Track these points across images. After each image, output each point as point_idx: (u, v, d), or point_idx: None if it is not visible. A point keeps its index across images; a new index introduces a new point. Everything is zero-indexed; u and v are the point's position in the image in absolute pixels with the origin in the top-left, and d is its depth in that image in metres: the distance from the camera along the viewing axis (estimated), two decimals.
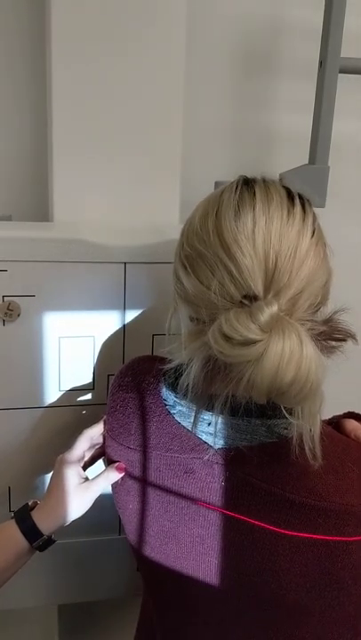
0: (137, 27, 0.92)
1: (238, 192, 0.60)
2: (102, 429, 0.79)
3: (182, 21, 0.94)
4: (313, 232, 0.60)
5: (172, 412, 0.69)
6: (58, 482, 0.77)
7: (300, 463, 0.61)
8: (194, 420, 0.67)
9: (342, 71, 0.95)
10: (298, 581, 0.64)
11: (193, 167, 1.06)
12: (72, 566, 1.05)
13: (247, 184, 0.62)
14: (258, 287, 0.57)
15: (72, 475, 0.77)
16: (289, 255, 0.58)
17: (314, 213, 0.62)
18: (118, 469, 0.74)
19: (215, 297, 0.59)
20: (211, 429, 0.65)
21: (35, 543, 0.74)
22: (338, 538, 0.62)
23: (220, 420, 0.64)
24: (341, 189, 1.09)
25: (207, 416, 0.65)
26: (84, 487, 0.76)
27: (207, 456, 0.65)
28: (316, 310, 0.62)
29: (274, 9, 1.10)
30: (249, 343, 0.54)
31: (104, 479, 0.75)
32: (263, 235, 0.58)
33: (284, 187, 0.62)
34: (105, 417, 0.78)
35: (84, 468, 0.80)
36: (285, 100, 1.14)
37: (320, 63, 0.96)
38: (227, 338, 0.55)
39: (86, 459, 0.81)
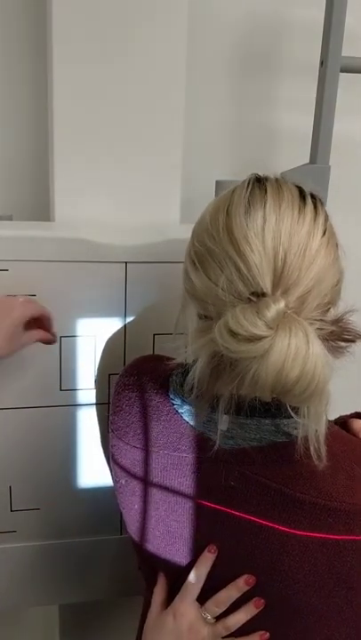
0: (137, 26, 0.92)
1: (250, 189, 0.60)
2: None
3: (183, 21, 0.94)
4: (324, 232, 0.60)
5: (179, 411, 0.69)
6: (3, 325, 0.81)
7: (310, 463, 0.61)
8: (198, 418, 0.67)
9: (343, 70, 0.95)
10: (306, 581, 0.64)
11: (194, 166, 1.06)
12: (72, 566, 1.05)
13: (259, 182, 0.61)
14: (266, 284, 0.57)
15: (14, 323, 0.82)
16: (298, 253, 0.58)
17: (326, 213, 0.62)
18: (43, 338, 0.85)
19: (223, 293, 0.58)
20: (220, 429, 0.65)
21: None
22: (347, 537, 0.62)
23: (229, 419, 0.64)
24: (342, 189, 1.09)
25: (216, 415, 0.65)
26: (18, 337, 0.83)
27: (216, 456, 0.65)
28: (326, 310, 0.61)
29: (275, 8, 1.10)
30: (255, 339, 0.54)
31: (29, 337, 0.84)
32: (273, 232, 0.57)
33: (296, 185, 0.62)
34: (109, 415, 0.77)
35: None
36: (286, 99, 1.14)
37: (321, 62, 0.96)
38: (233, 333, 0.54)
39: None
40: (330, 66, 0.94)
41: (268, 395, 0.56)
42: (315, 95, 0.97)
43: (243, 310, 0.55)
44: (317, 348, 0.54)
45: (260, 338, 0.53)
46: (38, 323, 0.86)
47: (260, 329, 0.54)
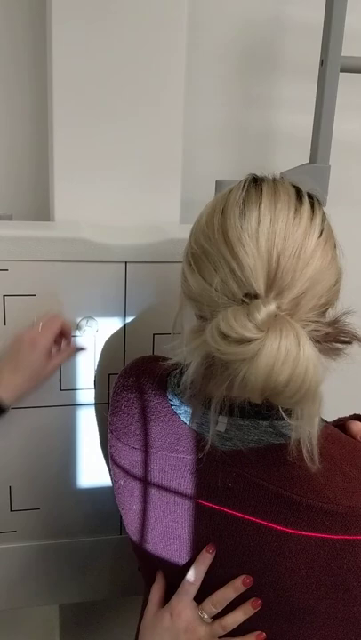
0: (138, 27, 0.92)
1: (245, 190, 0.60)
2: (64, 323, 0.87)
3: (183, 21, 0.94)
4: (321, 232, 0.59)
5: (177, 412, 0.69)
6: (26, 363, 0.82)
7: (307, 465, 0.61)
8: (191, 418, 0.67)
9: (343, 70, 0.95)
10: (303, 582, 0.64)
11: (194, 166, 1.06)
12: (72, 566, 1.05)
13: (255, 182, 0.61)
14: (259, 286, 0.57)
15: (40, 358, 0.83)
16: (293, 255, 0.57)
17: (323, 213, 0.62)
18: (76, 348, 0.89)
19: (217, 294, 0.58)
20: (218, 430, 0.65)
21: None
22: (344, 537, 0.62)
23: (227, 420, 0.64)
24: (342, 188, 1.09)
25: (214, 417, 0.65)
26: (47, 366, 0.85)
27: (214, 457, 0.65)
28: (324, 311, 0.61)
29: (275, 8, 1.10)
30: (245, 341, 0.53)
31: (59, 360, 0.87)
32: (267, 234, 0.57)
33: (293, 185, 0.62)
34: (109, 416, 0.78)
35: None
36: (286, 98, 1.14)
37: (321, 62, 0.96)
38: (223, 335, 0.54)
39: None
40: (330, 66, 0.94)
41: (258, 397, 0.55)
42: (315, 95, 0.97)
43: (234, 312, 0.55)
44: (309, 350, 0.54)
45: (249, 340, 0.53)
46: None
47: (250, 331, 0.53)
